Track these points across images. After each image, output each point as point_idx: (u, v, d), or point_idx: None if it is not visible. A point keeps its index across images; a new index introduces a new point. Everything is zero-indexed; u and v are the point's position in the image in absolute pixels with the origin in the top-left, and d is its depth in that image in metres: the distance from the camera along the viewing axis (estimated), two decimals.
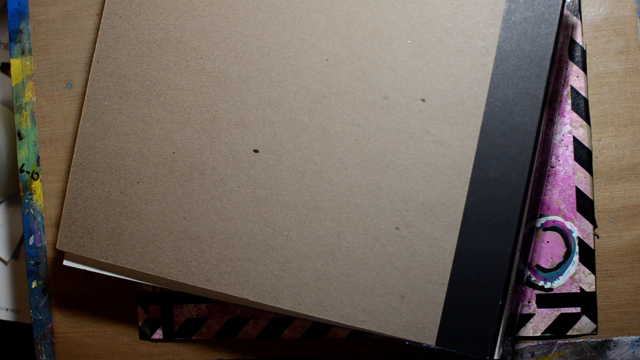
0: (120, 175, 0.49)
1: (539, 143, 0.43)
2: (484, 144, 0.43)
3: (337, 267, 0.45)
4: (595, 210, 0.50)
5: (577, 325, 0.50)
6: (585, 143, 0.49)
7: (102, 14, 0.50)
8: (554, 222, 0.50)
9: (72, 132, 0.56)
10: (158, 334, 0.55)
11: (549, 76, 0.43)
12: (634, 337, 0.50)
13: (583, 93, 0.49)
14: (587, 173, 0.49)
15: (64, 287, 0.57)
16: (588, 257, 0.49)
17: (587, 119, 0.49)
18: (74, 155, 0.50)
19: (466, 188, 0.43)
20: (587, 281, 0.50)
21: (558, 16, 0.42)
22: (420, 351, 0.52)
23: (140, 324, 0.55)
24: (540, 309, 0.50)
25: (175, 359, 0.56)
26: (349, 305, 0.45)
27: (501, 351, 0.43)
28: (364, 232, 0.45)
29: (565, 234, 0.50)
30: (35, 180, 0.58)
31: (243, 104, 0.46)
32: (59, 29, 0.56)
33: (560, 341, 0.51)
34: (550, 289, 0.50)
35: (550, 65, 0.42)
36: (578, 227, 0.49)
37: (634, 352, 0.50)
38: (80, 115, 0.55)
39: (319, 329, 0.53)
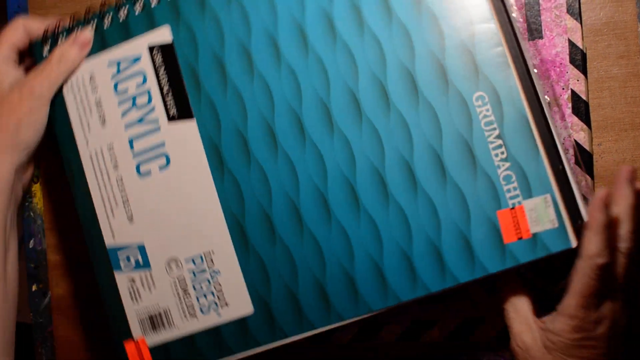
0: None
1: None
2: None
3: None
4: None
5: None
6: (586, 147, 0.49)
7: None
8: None
9: None
10: None
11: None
12: None
13: (583, 97, 0.49)
14: (587, 177, 0.49)
15: (63, 289, 0.57)
16: None
17: (587, 122, 0.49)
18: None
19: None
20: None
21: None
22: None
23: None
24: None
25: None
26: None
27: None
28: None
29: None
30: (35, 183, 0.57)
31: None
32: None
33: None
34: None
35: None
36: None
37: None
38: None
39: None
